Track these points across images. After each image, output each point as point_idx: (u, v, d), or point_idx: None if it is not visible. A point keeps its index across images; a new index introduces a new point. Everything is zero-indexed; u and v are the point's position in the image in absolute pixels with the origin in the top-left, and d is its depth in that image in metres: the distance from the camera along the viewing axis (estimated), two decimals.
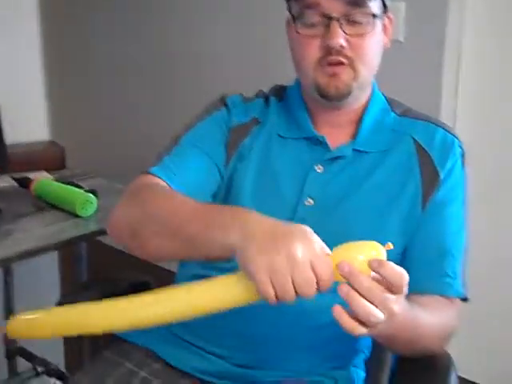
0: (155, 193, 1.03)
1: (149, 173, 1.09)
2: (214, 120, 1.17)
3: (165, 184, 1.07)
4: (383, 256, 0.83)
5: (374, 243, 0.84)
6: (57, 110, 3.39)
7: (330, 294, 0.82)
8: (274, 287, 0.79)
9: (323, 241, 1.08)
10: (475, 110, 2.08)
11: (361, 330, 0.81)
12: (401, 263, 1.11)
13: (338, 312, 0.81)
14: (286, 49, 1.14)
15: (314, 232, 1.08)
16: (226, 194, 1.15)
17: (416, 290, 1.06)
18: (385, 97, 1.20)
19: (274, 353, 1.10)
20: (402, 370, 1.13)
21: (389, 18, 1.12)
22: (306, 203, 1.11)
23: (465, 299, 1.11)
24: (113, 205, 1.08)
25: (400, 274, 0.82)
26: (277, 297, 0.80)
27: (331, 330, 0.97)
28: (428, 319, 1.02)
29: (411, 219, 1.11)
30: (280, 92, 1.22)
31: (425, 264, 1.09)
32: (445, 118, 2.03)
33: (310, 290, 0.80)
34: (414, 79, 2.06)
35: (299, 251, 0.79)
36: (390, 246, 0.84)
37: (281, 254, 0.79)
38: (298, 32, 1.07)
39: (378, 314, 0.81)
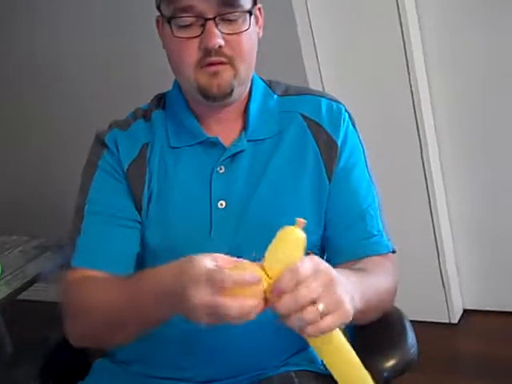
0: (85, 302, 1.05)
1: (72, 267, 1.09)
2: (102, 171, 1.12)
3: (92, 272, 1.07)
4: (301, 237, 0.83)
5: (287, 231, 0.84)
6: None
7: None
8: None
9: (246, 239, 1.07)
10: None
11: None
12: (325, 238, 1.13)
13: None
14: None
15: (234, 233, 1.07)
16: None
17: (350, 257, 1.09)
18: (263, 80, 1.19)
19: (230, 359, 1.09)
20: (361, 332, 1.10)
21: (259, 8, 1.11)
22: (219, 206, 1.09)
23: (393, 251, 1.14)
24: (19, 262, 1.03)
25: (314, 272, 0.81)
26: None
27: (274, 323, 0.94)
28: (380, 283, 1.05)
29: (321, 193, 1.12)
30: (160, 101, 1.18)
31: (348, 231, 1.11)
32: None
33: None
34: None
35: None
36: (302, 221, 0.84)
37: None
38: (174, 35, 1.04)
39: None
